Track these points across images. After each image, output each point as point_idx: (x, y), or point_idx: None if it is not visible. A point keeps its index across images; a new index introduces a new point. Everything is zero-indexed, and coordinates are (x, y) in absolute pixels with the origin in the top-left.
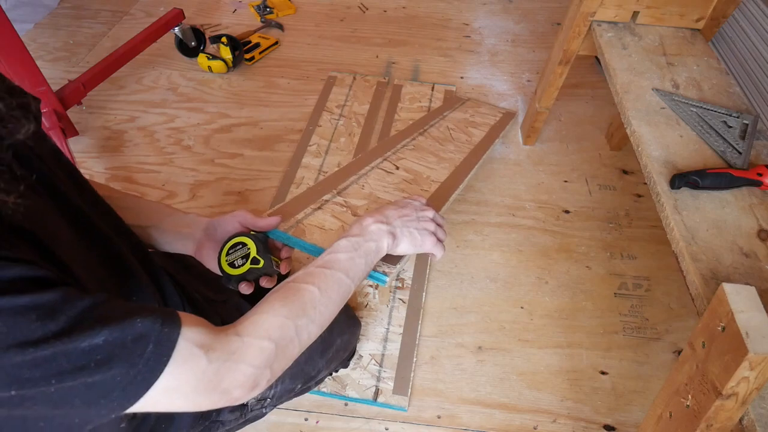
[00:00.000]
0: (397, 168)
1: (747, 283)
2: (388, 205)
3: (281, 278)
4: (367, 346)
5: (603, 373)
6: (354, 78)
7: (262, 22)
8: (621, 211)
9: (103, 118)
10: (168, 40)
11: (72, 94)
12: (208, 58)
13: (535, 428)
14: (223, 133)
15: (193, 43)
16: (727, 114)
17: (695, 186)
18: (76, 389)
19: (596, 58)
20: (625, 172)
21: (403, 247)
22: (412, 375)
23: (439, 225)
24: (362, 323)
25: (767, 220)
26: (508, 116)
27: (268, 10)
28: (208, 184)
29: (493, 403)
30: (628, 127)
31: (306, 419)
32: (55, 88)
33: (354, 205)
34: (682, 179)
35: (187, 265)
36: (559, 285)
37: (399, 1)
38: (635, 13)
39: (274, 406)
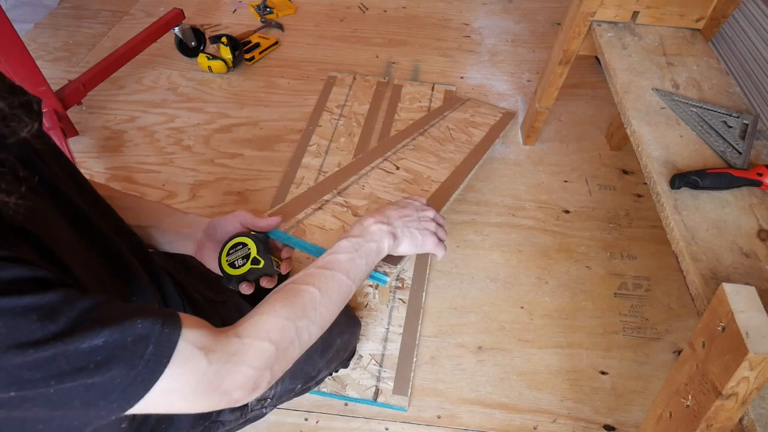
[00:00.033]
0: (398, 168)
1: (747, 283)
2: (388, 206)
3: (282, 278)
4: (367, 346)
5: (603, 373)
6: (354, 78)
7: (262, 22)
8: (621, 211)
9: (103, 118)
10: (168, 40)
11: (72, 94)
12: (208, 58)
13: (535, 428)
14: (223, 133)
15: (193, 43)
16: (727, 114)
17: (695, 186)
18: (76, 390)
19: (596, 58)
20: (625, 172)
21: (404, 248)
22: (412, 375)
23: (439, 225)
24: (362, 323)
25: (767, 220)
26: (508, 116)
27: (268, 10)
28: (208, 184)
29: (493, 403)
30: (628, 127)
31: (306, 419)
32: (55, 88)
33: (354, 205)
34: (682, 179)
35: (188, 265)
36: (559, 285)
37: (399, 1)
38: (635, 13)
39: (274, 406)
